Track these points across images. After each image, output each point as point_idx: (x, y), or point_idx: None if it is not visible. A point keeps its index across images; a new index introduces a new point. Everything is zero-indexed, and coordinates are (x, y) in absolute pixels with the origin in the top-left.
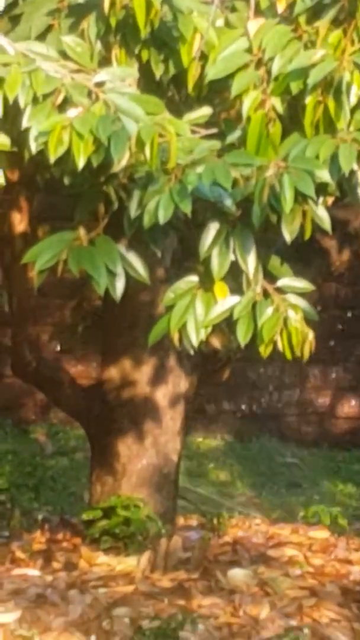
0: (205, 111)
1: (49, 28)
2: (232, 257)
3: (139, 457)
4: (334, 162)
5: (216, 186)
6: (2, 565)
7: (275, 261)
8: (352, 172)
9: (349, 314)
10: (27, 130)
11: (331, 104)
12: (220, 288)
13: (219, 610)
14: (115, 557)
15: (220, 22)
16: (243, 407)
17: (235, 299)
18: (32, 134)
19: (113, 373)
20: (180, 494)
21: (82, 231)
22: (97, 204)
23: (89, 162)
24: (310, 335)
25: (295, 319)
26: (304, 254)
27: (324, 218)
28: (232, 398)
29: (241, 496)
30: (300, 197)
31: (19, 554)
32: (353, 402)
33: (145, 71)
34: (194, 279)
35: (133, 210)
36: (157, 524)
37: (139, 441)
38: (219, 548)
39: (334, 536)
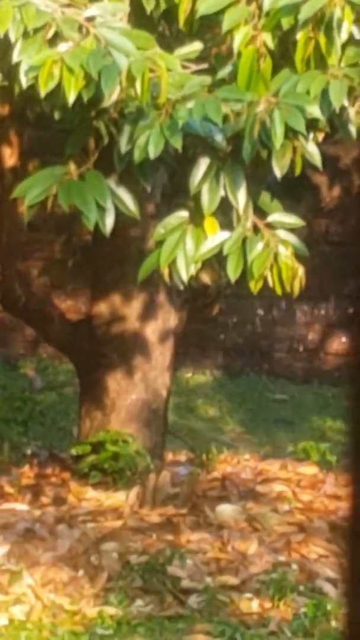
0: (196, 46)
1: None
2: (222, 193)
3: (128, 392)
4: (324, 97)
5: (207, 121)
6: None
7: (265, 197)
8: (343, 108)
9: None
10: (17, 64)
11: (322, 39)
12: (210, 223)
13: (207, 545)
14: (103, 492)
15: None
16: (232, 343)
17: (225, 234)
18: (23, 69)
19: (102, 308)
20: (169, 430)
21: (72, 166)
22: (87, 139)
23: (79, 97)
24: (300, 271)
25: (285, 254)
26: (294, 190)
27: (314, 154)
28: (221, 334)
29: (230, 432)
30: (290, 133)
31: (8, 489)
32: (343, 339)
33: (136, 6)
34: (184, 214)
35: (123, 146)
36: (145, 459)
37: (128, 376)
38: (207, 483)
39: (322, 472)
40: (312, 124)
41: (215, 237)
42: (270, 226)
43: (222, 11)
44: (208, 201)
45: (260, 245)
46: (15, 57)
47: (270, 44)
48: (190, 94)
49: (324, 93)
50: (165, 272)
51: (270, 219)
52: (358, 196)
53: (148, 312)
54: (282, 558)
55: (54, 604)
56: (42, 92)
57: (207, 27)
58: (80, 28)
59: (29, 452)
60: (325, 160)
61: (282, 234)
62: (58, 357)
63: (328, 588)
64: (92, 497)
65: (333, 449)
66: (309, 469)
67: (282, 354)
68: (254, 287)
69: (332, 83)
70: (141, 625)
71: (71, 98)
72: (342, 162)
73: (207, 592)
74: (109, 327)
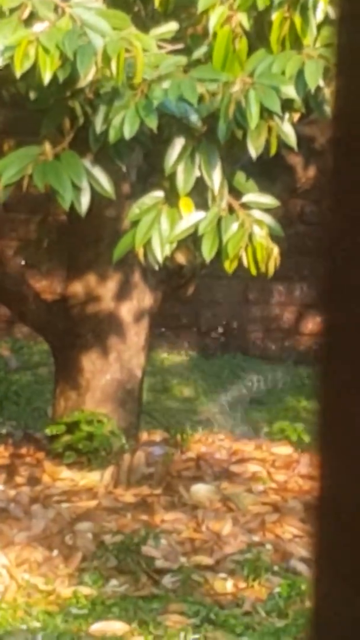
0: (171, 26)
1: None
2: (197, 173)
3: (103, 373)
4: (300, 78)
5: (182, 102)
6: None
7: (240, 177)
8: (318, 89)
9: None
10: None
11: (297, 20)
12: (185, 204)
13: (182, 525)
14: (78, 471)
15: None
16: (207, 323)
17: (200, 214)
18: None
19: (77, 288)
20: (143, 410)
21: (47, 146)
22: (62, 119)
23: (54, 77)
24: (275, 251)
25: (260, 234)
26: (270, 170)
27: (289, 134)
28: (196, 314)
29: (205, 412)
30: (266, 113)
31: None
32: (318, 319)
33: None
34: (159, 194)
35: (99, 126)
36: (120, 439)
37: (103, 356)
38: (182, 464)
39: (297, 452)
40: (287, 104)
41: (190, 217)
42: (246, 206)
43: None
44: (183, 181)
45: (235, 226)
46: None
47: (246, 24)
48: (165, 74)
49: (300, 73)
50: (140, 252)
51: (246, 199)
52: (326, 178)
53: (123, 292)
54: (256, 538)
55: (29, 584)
56: (18, 73)
57: (182, 7)
58: (55, 8)
59: (3, 431)
60: (300, 140)
61: (257, 214)
62: (33, 337)
63: (302, 568)
64: (66, 477)
65: (308, 429)
66: (284, 449)
67: (257, 334)
68: (229, 267)
69: (307, 63)
70: (115, 605)
71: (47, 78)
72: (318, 143)
73: (182, 572)
74: (84, 307)
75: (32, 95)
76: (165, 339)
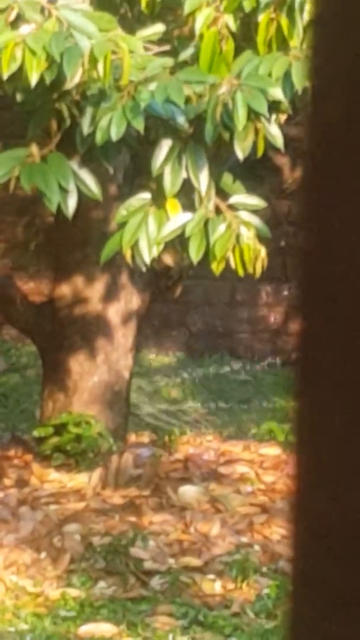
0: (158, 28)
1: None
2: (184, 175)
3: (91, 374)
4: (286, 79)
5: (169, 103)
6: None
7: (227, 178)
8: (305, 90)
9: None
10: None
11: (284, 21)
12: (172, 205)
13: (170, 527)
14: (66, 473)
15: None
16: (195, 324)
17: (187, 216)
18: None
19: (65, 290)
20: (131, 411)
21: (34, 148)
22: (49, 120)
23: (41, 79)
24: (263, 252)
25: (247, 236)
26: (257, 172)
27: (276, 135)
28: (184, 315)
29: (193, 413)
30: (253, 115)
31: None
32: None
33: None
34: (146, 196)
35: (85, 127)
36: (108, 440)
37: (91, 358)
38: (170, 465)
39: (285, 453)
40: (274, 106)
41: (178, 218)
42: (233, 208)
43: None
44: (170, 183)
45: (222, 227)
46: None
47: (232, 26)
48: (152, 76)
49: (286, 75)
50: (128, 254)
51: (233, 200)
52: (302, 183)
53: (110, 294)
54: (244, 539)
55: (17, 586)
56: (5, 74)
57: (168, 9)
58: (42, 10)
59: None
60: (287, 141)
61: (244, 215)
62: (21, 339)
63: (291, 569)
64: (54, 478)
65: None
66: (272, 450)
67: (245, 334)
68: (216, 268)
69: (294, 65)
70: (104, 607)
71: (33, 80)
72: (304, 144)
73: (170, 573)
74: (71, 309)
75: (18, 97)
76: (153, 340)
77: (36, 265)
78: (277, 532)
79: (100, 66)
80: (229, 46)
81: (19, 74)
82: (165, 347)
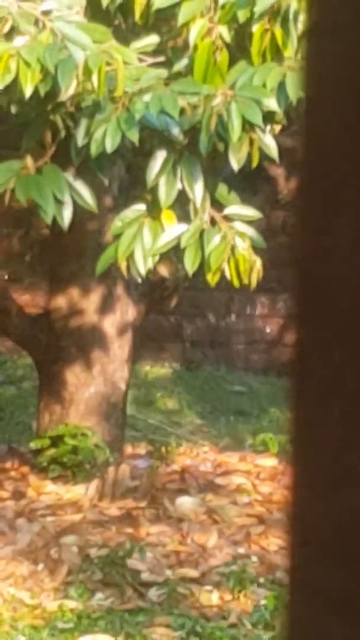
0: (152, 39)
1: None
2: (179, 186)
3: (87, 386)
4: (281, 90)
5: (163, 114)
6: None
7: (222, 189)
8: (300, 100)
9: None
10: None
11: (278, 32)
12: (167, 216)
13: (167, 538)
14: (63, 485)
15: None
16: (191, 335)
17: (182, 227)
18: None
19: (61, 302)
20: (128, 423)
21: (29, 160)
22: (44, 132)
23: (36, 91)
24: (258, 263)
25: (242, 246)
26: (252, 182)
27: (271, 146)
28: (179, 326)
29: (189, 424)
30: (247, 125)
31: None
32: None
33: None
34: (141, 207)
35: (80, 139)
36: (105, 452)
37: (87, 370)
38: (167, 476)
39: (281, 464)
40: (269, 116)
41: (173, 229)
42: (228, 218)
43: (178, 4)
44: (165, 194)
45: (217, 238)
46: None
47: (227, 37)
48: (146, 87)
49: (281, 85)
50: (123, 265)
51: (228, 211)
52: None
53: (106, 306)
54: (241, 550)
55: (14, 598)
56: None
57: (163, 20)
58: (36, 22)
59: None
60: (282, 152)
61: (239, 226)
62: (17, 351)
63: (288, 579)
64: (51, 490)
65: None
66: (268, 461)
67: (241, 345)
68: (212, 279)
69: (288, 75)
70: (101, 618)
71: (28, 92)
72: (299, 154)
73: (167, 584)
74: (67, 321)
75: (13, 109)
76: (149, 351)
77: (31, 277)
78: (274, 542)
79: (94, 78)
80: (223, 57)
81: (13, 86)
82: (161, 358)
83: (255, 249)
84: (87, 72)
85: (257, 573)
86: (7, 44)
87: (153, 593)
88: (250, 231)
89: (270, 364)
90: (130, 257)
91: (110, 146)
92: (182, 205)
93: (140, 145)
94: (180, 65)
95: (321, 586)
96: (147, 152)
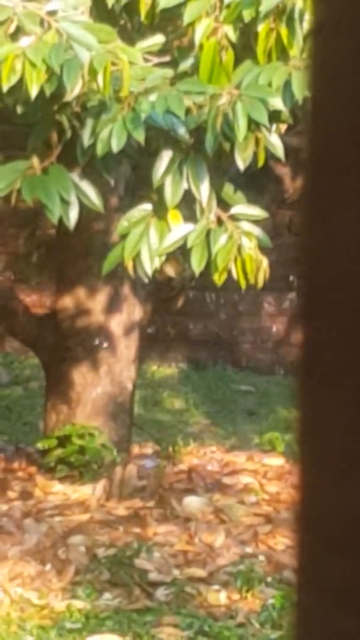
0: (157, 39)
1: None
2: (185, 185)
3: (94, 386)
4: (287, 89)
5: (169, 114)
6: None
7: (228, 189)
8: (305, 99)
9: None
10: None
11: (284, 31)
12: (174, 216)
13: (175, 538)
14: (70, 485)
15: None
16: (198, 335)
17: (189, 227)
18: None
19: (67, 302)
20: (135, 422)
21: (35, 160)
22: (50, 133)
23: (41, 91)
24: (265, 262)
25: (249, 246)
26: (258, 182)
27: (277, 145)
28: (186, 326)
29: (196, 424)
30: (253, 125)
31: None
32: None
33: None
34: (147, 207)
35: (86, 139)
36: (112, 452)
37: (94, 370)
38: (174, 476)
39: (289, 463)
40: (274, 116)
41: (179, 229)
42: (234, 218)
43: (183, 4)
44: (171, 194)
45: (224, 238)
46: None
47: (232, 36)
48: (152, 87)
49: (287, 84)
50: (130, 265)
51: (234, 211)
52: (302, 194)
53: (113, 305)
54: (249, 550)
55: (22, 599)
56: (5, 87)
57: (168, 19)
58: (41, 22)
59: None
60: (288, 151)
61: (245, 225)
62: (24, 351)
63: (295, 578)
64: (58, 490)
65: None
66: (276, 460)
67: (247, 345)
68: (218, 279)
69: (294, 74)
70: (109, 618)
71: (33, 92)
72: (305, 153)
73: (175, 584)
74: (74, 321)
75: (19, 109)
76: (156, 351)
77: (38, 277)
78: (282, 542)
79: (100, 78)
80: (228, 56)
81: (19, 86)
82: (168, 358)
83: (262, 248)
84: (93, 72)
85: (264, 572)
86: (12, 44)
87: (161, 593)
88: (257, 231)
89: (277, 363)
90: (136, 257)
91: (116, 146)
92: (188, 205)
93: (146, 145)
94: (186, 64)
95: (329, 585)
96: (153, 152)
